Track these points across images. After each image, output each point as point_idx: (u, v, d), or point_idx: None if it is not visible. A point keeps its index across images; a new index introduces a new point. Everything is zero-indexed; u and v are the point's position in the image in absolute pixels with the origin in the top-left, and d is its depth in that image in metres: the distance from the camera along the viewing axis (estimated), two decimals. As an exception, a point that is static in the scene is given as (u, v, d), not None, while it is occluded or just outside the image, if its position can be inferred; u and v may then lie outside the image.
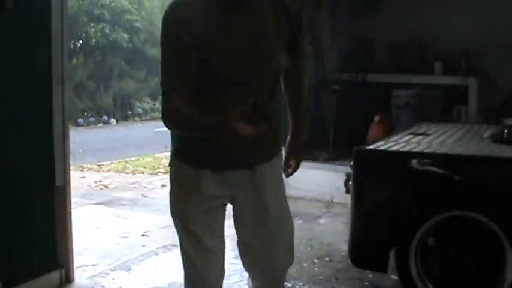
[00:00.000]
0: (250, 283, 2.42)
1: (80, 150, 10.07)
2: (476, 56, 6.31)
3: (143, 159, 9.80)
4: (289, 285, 3.76)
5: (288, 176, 2.41)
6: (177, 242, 2.27)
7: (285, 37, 2.07)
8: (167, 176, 2.30)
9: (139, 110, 20.81)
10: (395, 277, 3.56)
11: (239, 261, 2.38)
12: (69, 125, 3.82)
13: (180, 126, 2.03)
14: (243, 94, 1.91)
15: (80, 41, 20.17)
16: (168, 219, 2.33)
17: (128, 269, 4.13)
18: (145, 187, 7.28)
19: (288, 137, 2.42)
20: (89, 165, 9.10)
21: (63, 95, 3.62)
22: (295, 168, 2.45)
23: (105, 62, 20.69)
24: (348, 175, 4.41)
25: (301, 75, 2.35)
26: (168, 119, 2.00)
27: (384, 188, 3.42)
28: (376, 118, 6.19)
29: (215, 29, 1.94)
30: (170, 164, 2.22)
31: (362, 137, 5.94)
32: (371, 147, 3.58)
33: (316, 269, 4.09)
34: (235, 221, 2.27)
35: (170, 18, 1.97)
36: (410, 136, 3.95)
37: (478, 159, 3.34)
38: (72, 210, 3.81)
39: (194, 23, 1.92)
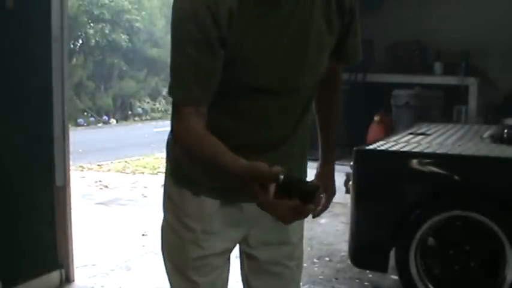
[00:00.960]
0: None
1: (80, 150, 10.06)
2: (476, 56, 6.31)
3: (143, 159, 9.81)
4: (289, 285, 3.76)
5: (315, 216, 1.61)
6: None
7: (336, 35, 1.58)
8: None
9: (139, 110, 20.82)
10: (395, 277, 3.56)
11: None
12: (69, 125, 3.82)
13: (193, 154, 1.55)
14: (276, 106, 1.55)
15: (80, 41, 20.18)
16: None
17: (128, 269, 4.13)
18: (145, 187, 7.28)
19: (317, 166, 1.95)
20: (89, 165, 9.10)
21: (63, 95, 3.62)
22: (326, 207, 1.82)
23: (105, 62, 20.70)
24: (348, 175, 4.42)
25: (339, 88, 1.88)
26: (180, 140, 1.56)
27: (384, 188, 3.42)
28: (376, 118, 6.19)
29: (250, 21, 1.45)
30: (166, 189, 1.72)
31: (362, 137, 5.94)
32: (371, 147, 3.58)
33: (316, 269, 4.09)
34: (243, 268, 1.78)
35: (189, 2, 1.44)
36: (410, 136, 3.95)
37: (478, 159, 3.34)
38: (72, 210, 3.81)
39: (223, 10, 1.41)
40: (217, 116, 1.52)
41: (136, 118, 20.52)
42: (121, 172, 8.64)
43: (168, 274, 1.73)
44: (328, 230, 4.92)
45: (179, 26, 1.45)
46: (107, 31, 20.18)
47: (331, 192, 1.88)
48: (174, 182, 1.68)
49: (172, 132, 1.54)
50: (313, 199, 1.30)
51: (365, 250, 3.48)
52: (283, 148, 1.62)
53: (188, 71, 1.46)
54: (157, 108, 21.32)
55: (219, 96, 1.50)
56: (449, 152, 3.46)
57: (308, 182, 1.42)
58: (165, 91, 17.43)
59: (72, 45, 18.83)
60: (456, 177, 3.32)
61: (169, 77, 1.50)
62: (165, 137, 1.71)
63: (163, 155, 1.85)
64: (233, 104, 1.55)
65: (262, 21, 1.46)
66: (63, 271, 3.69)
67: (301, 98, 1.60)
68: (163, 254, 1.74)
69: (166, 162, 1.74)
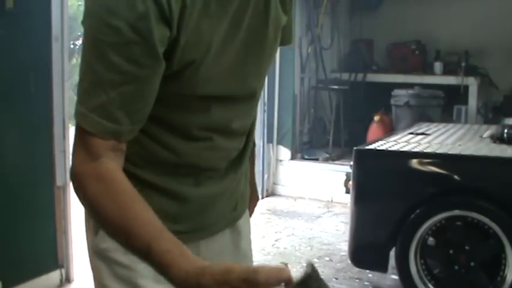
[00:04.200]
0: None
1: (80, 150, 10.06)
2: (476, 56, 6.32)
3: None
4: (289, 285, 3.77)
5: None
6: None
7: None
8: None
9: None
10: (395, 277, 3.56)
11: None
12: (69, 125, 3.82)
13: (99, 216, 1.06)
14: (230, 118, 1.23)
15: (80, 41, 20.19)
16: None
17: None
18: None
19: None
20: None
21: (63, 95, 3.62)
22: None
23: (105, 62, 20.71)
24: (348, 175, 4.42)
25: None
26: (81, 188, 1.06)
27: (384, 188, 3.42)
28: (376, 118, 6.20)
29: (204, 16, 1.08)
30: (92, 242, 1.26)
31: (362, 137, 5.95)
32: (371, 147, 3.58)
33: (316, 269, 4.08)
34: None
35: None
36: (410, 136, 3.96)
37: (478, 159, 3.34)
38: (72, 210, 3.81)
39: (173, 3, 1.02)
40: (161, 134, 1.17)
41: (136, 118, 20.52)
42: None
43: None
44: (328, 230, 4.92)
45: (100, 19, 0.99)
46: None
47: (255, 198, 1.59)
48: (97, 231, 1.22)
49: (72, 172, 1.06)
50: None
51: (365, 250, 3.48)
52: (234, 169, 1.32)
53: (111, 88, 1.01)
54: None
55: (160, 110, 1.12)
56: (449, 152, 3.46)
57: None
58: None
59: (72, 45, 18.84)
60: (456, 177, 3.32)
61: (78, 92, 1.04)
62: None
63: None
64: (173, 121, 1.16)
65: (219, 14, 1.11)
66: (63, 271, 3.69)
67: (254, 109, 1.33)
68: None
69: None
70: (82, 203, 1.08)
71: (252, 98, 1.26)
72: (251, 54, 1.19)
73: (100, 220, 1.07)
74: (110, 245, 1.18)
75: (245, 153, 1.35)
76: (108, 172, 1.04)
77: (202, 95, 1.14)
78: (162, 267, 0.96)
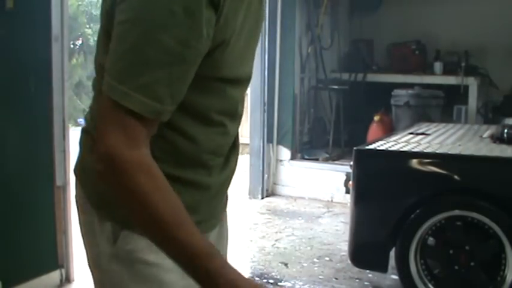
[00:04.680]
0: None
1: (80, 150, 10.06)
2: (476, 56, 6.32)
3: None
4: (289, 284, 3.77)
5: None
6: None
7: None
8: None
9: (139, 109, 20.82)
10: (395, 277, 3.56)
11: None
12: (69, 125, 3.82)
13: (141, 205, 1.04)
14: (238, 102, 1.27)
15: (80, 41, 20.20)
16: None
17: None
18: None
19: None
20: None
21: (63, 95, 3.62)
22: None
23: (105, 62, 20.73)
24: (348, 175, 4.42)
25: None
26: (123, 177, 1.03)
27: (384, 188, 3.42)
28: (376, 118, 6.20)
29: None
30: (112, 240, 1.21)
31: (362, 137, 5.95)
32: (371, 147, 3.58)
33: (316, 268, 4.09)
34: None
35: None
36: (410, 136, 3.96)
37: (478, 159, 3.34)
38: (72, 210, 3.81)
39: None
40: (182, 121, 1.17)
41: (136, 118, 20.52)
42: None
43: None
44: (328, 230, 4.92)
45: (154, 2, 1.01)
46: (106, 31, 20.24)
47: None
48: (116, 222, 1.19)
49: (108, 153, 1.02)
50: None
51: (365, 250, 3.48)
52: (233, 157, 1.35)
53: (159, 68, 1.03)
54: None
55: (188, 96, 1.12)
56: (449, 152, 3.46)
57: None
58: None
59: (72, 45, 18.84)
60: (456, 177, 3.32)
61: (116, 72, 1.04)
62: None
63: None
64: (205, 101, 1.18)
65: None
66: (63, 271, 3.69)
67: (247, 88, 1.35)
68: None
69: (89, 189, 1.25)
70: (119, 190, 1.04)
71: (249, 82, 1.29)
72: (252, 39, 1.23)
73: (144, 215, 1.03)
74: (135, 245, 1.17)
75: (238, 140, 1.37)
76: (153, 165, 1.04)
77: (222, 77, 1.16)
78: (209, 273, 1.01)
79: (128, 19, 1.03)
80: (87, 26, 19.91)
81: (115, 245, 1.19)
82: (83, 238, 1.31)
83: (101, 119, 1.05)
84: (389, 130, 5.78)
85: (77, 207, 1.32)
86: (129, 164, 1.02)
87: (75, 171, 1.31)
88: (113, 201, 1.09)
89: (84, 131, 1.28)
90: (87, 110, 1.31)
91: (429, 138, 3.88)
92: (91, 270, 1.31)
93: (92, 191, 1.23)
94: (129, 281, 1.20)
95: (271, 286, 3.75)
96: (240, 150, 1.41)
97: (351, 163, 3.52)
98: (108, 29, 1.10)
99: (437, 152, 3.44)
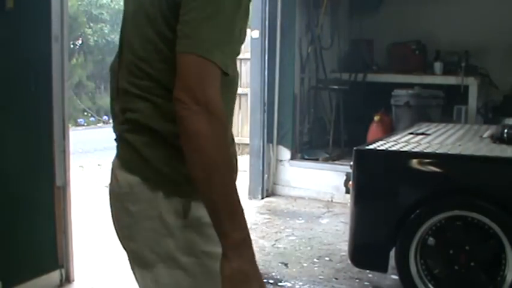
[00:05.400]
0: None
1: (80, 150, 10.05)
2: (476, 56, 6.32)
3: (143, 159, 9.77)
4: (289, 284, 3.77)
5: None
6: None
7: None
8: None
9: (139, 109, 20.78)
10: (395, 277, 3.56)
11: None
12: (69, 125, 3.82)
13: (217, 159, 1.22)
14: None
15: (80, 41, 20.19)
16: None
17: (128, 269, 4.12)
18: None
19: None
20: (89, 165, 9.10)
21: (63, 95, 3.62)
22: None
23: (104, 62, 20.65)
24: (348, 175, 4.42)
25: None
26: (221, 128, 1.23)
27: (384, 188, 3.42)
28: (376, 118, 6.20)
29: None
30: (186, 215, 1.36)
31: (362, 137, 5.95)
32: (371, 147, 3.58)
33: (316, 269, 4.09)
34: None
35: None
36: (410, 136, 3.96)
37: (478, 159, 3.34)
38: (72, 210, 3.81)
39: None
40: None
41: (136, 118, 20.47)
42: (121, 172, 8.61)
43: None
44: (328, 230, 4.92)
45: None
46: (106, 31, 20.19)
47: None
48: (177, 194, 1.35)
49: (215, 107, 1.22)
50: None
51: (365, 250, 3.48)
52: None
53: (226, 33, 1.28)
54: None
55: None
56: (449, 152, 3.46)
57: None
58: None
59: (72, 45, 18.84)
60: (456, 177, 3.32)
61: (201, 34, 1.24)
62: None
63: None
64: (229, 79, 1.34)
65: None
66: (63, 271, 3.69)
67: None
68: None
69: (173, 169, 1.35)
70: (206, 137, 1.20)
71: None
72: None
73: (224, 160, 1.23)
74: (203, 213, 1.30)
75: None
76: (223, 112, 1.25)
77: (242, 40, 1.36)
78: (246, 239, 1.24)
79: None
80: (87, 26, 19.94)
81: (187, 215, 1.35)
82: (134, 226, 1.40)
83: (190, 76, 1.22)
84: (390, 130, 5.78)
85: (123, 200, 1.41)
86: (223, 114, 1.23)
87: (125, 164, 1.43)
88: (180, 178, 1.31)
89: (145, 116, 1.38)
90: (126, 112, 1.46)
91: (429, 138, 3.88)
92: (140, 252, 1.52)
93: (158, 171, 1.35)
94: (203, 243, 1.36)
95: (271, 286, 3.75)
96: (240, 151, 1.46)
97: (351, 163, 3.52)
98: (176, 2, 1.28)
99: (437, 152, 3.44)
